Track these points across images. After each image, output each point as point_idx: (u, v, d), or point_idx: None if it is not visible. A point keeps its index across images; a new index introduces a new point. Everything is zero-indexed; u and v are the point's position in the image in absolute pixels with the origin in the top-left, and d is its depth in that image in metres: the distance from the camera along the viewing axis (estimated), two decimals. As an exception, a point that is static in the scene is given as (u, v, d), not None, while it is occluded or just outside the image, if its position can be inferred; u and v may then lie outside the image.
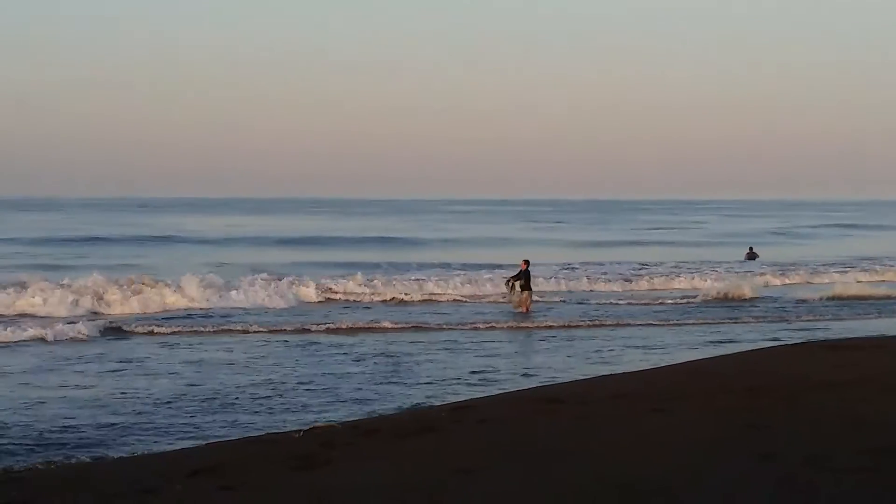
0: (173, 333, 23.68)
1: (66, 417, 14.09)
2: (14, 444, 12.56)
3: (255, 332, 24.12)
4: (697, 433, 11.31)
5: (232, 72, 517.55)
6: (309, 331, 24.24)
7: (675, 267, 45.08)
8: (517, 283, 29.61)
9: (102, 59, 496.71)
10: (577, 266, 44.85)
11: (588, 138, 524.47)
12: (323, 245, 63.68)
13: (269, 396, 15.83)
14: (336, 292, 32.88)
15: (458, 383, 17.22)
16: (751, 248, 51.95)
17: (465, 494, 9.02)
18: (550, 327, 25.76)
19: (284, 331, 24.21)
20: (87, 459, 11.80)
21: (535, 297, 29.83)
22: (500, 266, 39.86)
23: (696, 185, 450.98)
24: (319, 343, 22.17)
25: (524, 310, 28.87)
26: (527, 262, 29.83)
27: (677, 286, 37.77)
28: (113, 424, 13.69)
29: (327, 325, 24.84)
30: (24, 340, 21.93)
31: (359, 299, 32.19)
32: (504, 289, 30.83)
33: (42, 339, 22.05)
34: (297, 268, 39.81)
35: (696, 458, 10.15)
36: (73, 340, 22.17)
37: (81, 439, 12.85)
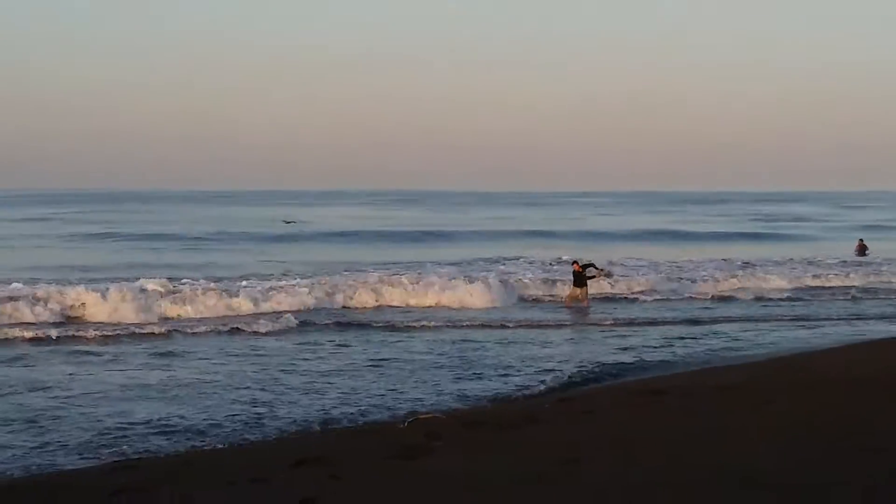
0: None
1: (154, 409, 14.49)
2: (130, 430, 12.97)
3: (377, 327, 24.12)
4: (801, 425, 11.20)
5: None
6: (414, 327, 24.19)
7: (788, 261, 43.83)
8: (593, 272, 30.25)
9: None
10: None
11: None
12: (492, 238, 62.42)
13: (375, 391, 16.05)
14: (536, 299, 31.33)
15: (563, 376, 17.27)
16: (861, 241, 50.77)
17: (570, 484, 9.06)
18: (654, 322, 25.67)
19: (397, 326, 24.26)
20: (199, 447, 12.13)
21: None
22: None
23: (795, 174, 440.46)
24: (434, 338, 22.26)
25: (567, 303, 29.30)
26: (576, 263, 30.37)
27: (785, 283, 36.67)
28: (233, 413, 14.03)
29: (446, 322, 24.87)
30: (226, 332, 22.78)
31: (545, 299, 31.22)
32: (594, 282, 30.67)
33: (242, 330, 22.97)
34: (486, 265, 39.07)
35: (798, 449, 10.06)
36: (256, 334, 22.66)
37: (198, 428, 13.20)
